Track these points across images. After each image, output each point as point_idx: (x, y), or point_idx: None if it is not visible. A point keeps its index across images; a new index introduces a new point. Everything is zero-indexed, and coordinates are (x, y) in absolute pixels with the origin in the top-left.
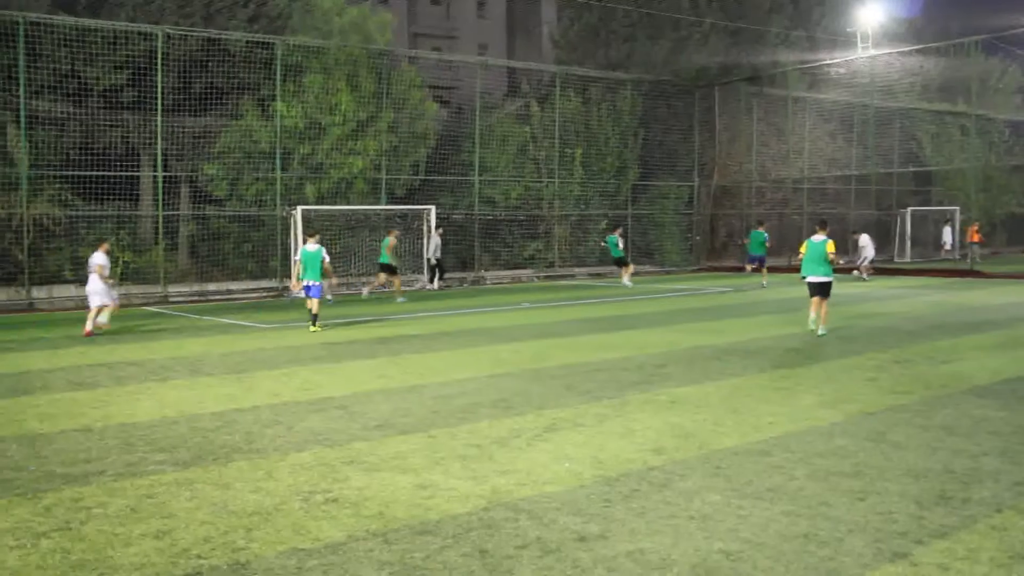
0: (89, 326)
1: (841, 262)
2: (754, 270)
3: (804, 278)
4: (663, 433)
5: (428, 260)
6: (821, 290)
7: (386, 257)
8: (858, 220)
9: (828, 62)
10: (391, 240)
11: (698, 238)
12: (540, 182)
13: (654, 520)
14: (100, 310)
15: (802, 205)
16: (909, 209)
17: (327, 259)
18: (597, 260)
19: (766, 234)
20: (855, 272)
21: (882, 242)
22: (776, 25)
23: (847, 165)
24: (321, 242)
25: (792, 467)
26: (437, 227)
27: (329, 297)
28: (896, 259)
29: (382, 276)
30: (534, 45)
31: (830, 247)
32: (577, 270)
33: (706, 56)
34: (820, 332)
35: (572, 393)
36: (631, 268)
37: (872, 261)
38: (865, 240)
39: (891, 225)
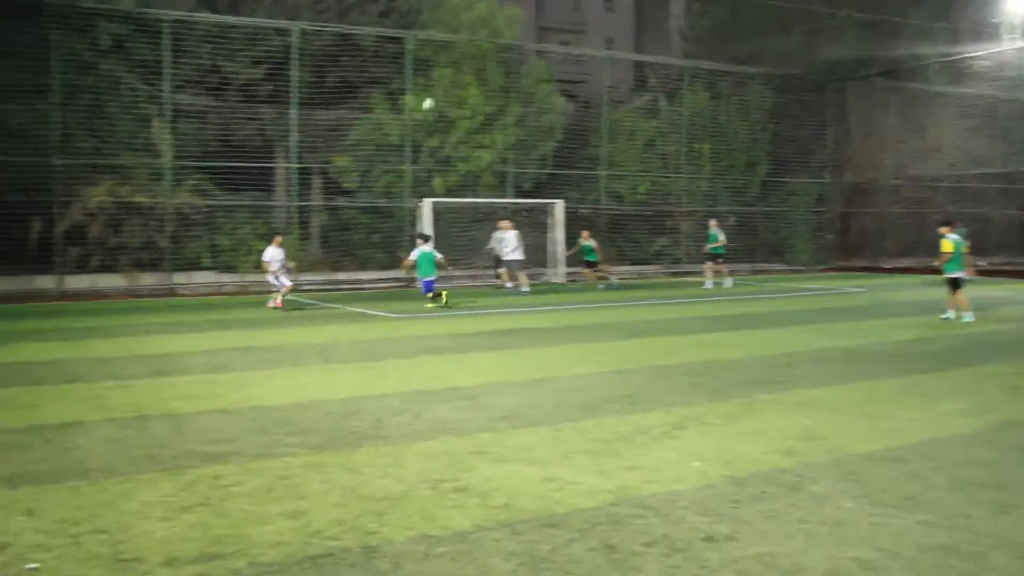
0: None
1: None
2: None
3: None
4: (793, 435)
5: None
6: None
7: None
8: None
9: (971, 54)
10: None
11: (829, 236)
12: (667, 177)
13: (785, 523)
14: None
15: (941, 204)
16: None
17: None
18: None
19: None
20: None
21: None
22: (915, 16)
23: (990, 163)
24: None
25: (930, 476)
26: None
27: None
28: None
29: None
30: (662, 39)
31: (948, 245)
32: (705, 266)
33: (840, 49)
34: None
35: (699, 391)
36: (723, 268)
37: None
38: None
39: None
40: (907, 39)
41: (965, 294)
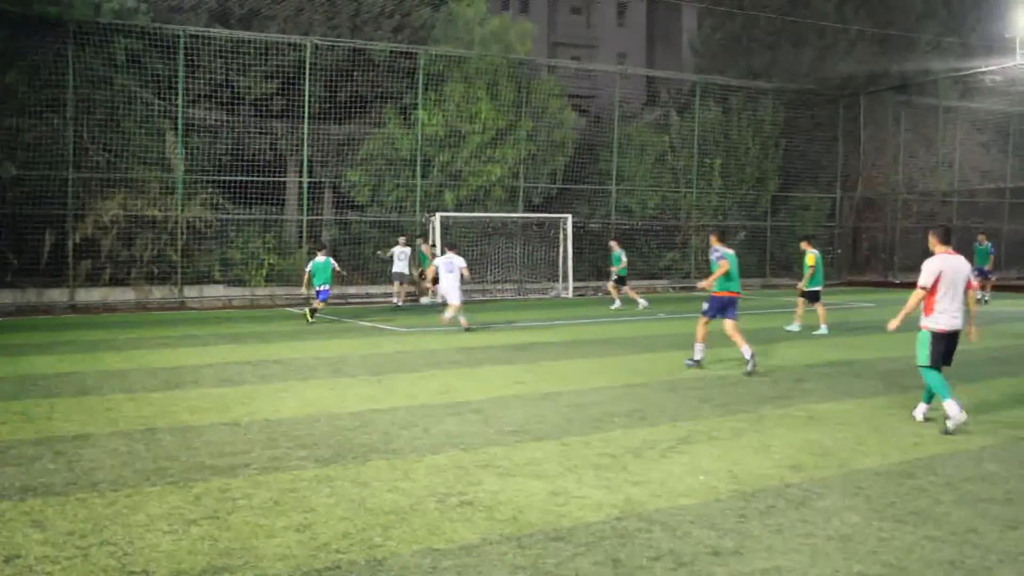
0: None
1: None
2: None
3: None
4: (801, 450)
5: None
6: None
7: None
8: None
9: (983, 69)
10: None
11: (839, 251)
12: (678, 192)
13: (791, 538)
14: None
15: (951, 218)
16: None
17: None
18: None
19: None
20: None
21: None
22: (927, 31)
23: (1001, 177)
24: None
25: (938, 491)
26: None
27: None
28: None
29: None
30: (674, 54)
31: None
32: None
33: (852, 64)
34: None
35: (707, 405)
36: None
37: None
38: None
39: None
40: (919, 54)
41: (821, 307)
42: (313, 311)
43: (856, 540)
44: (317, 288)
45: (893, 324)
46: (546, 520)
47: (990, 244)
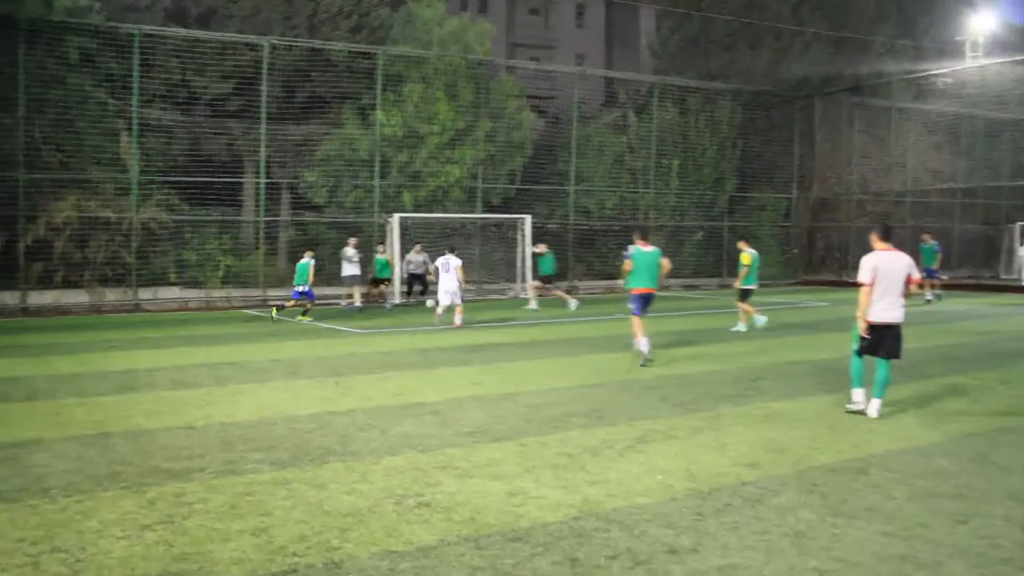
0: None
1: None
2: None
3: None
4: (757, 448)
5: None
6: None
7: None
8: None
9: (935, 72)
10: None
11: (795, 251)
12: (636, 192)
13: (747, 535)
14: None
15: (904, 218)
16: (1019, 224)
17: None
18: (692, 271)
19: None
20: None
21: (989, 258)
22: (881, 34)
23: (953, 178)
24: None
25: (890, 487)
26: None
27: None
28: (1003, 275)
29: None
30: (632, 55)
31: (747, 259)
32: (672, 281)
33: (808, 66)
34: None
35: (665, 404)
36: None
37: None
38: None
39: (998, 240)
40: (873, 56)
41: (751, 304)
42: (304, 311)
43: (810, 536)
44: (296, 287)
45: (862, 326)
46: (504, 521)
47: (935, 243)
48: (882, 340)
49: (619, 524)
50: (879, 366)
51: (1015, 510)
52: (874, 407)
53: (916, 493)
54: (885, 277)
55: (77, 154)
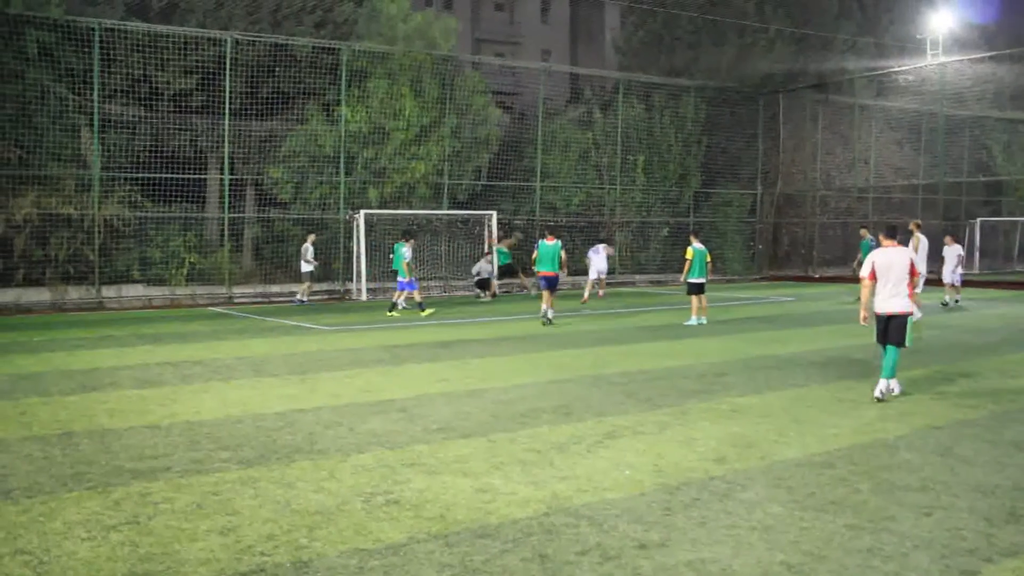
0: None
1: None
2: None
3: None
4: (724, 442)
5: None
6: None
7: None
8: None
9: (896, 69)
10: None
11: (760, 247)
12: (602, 188)
13: (715, 530)
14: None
15: (867, 214)
16: (979, 220)
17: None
18: (657, 267)
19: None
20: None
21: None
22: (843, 32)
23: (914, 174)
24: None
25: (856, 480)
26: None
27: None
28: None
29: None
30: (597, 51)
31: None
32: (638, 277)
33: (771, 63)
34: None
35: (632, 400)
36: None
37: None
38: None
39: (959, 236)
40: (836, 53)
41: (704, 300)
42: (417, 304)
43: (778, 530)
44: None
45: (861, 316)
46: (473, 517)
47: (871, 238)
48: (887, 329)
49: (588, 520)
50: (887, 352)
51: (978, 502)
52: (878, 388)
53: (881, 486)
54: (884, 271)
55: (37, 150)
